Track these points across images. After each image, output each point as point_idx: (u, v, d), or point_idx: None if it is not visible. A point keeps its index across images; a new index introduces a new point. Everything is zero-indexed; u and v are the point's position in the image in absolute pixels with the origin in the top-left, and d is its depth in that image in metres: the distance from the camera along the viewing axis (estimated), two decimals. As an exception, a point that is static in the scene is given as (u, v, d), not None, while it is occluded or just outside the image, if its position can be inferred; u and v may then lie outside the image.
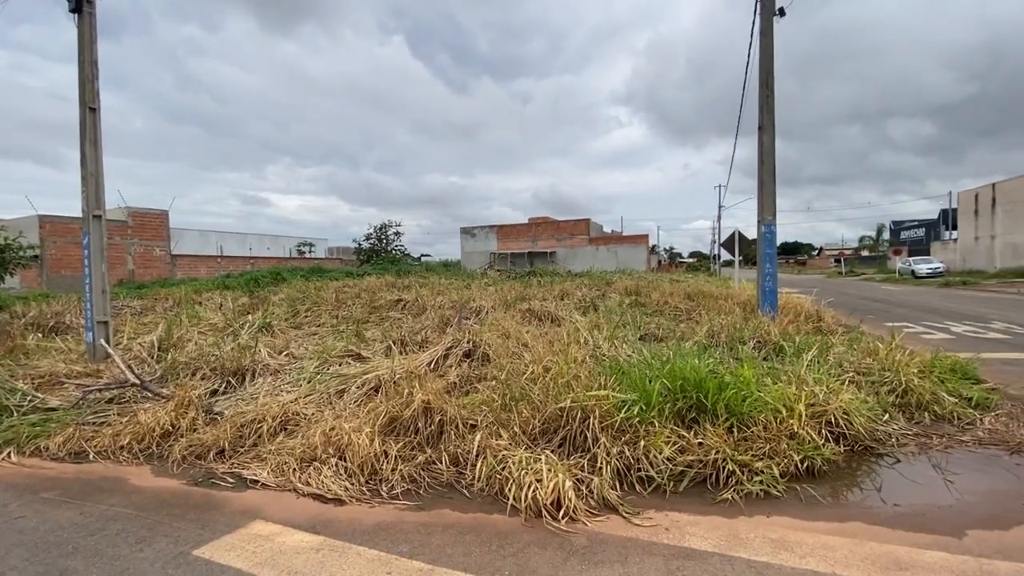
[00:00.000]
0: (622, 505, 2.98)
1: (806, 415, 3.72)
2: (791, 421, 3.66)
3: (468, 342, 5.96)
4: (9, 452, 4.17)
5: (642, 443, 3.40)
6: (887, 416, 4.38)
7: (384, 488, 3.32)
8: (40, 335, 8.33)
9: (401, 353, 6.37)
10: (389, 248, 47.62)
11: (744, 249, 13.65)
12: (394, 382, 4.60)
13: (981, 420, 4.35)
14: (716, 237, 45.85)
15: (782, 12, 7.90)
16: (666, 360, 4.40)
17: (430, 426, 3.87)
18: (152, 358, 6.48)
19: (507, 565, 2.45)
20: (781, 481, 3.22)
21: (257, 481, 3.49)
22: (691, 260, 68.17)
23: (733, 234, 13.32)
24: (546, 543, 2.64)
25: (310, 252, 40.50)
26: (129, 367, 5.40)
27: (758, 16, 7.94)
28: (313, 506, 3.14)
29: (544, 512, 2.85)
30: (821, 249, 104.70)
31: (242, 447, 4.00)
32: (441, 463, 3.55)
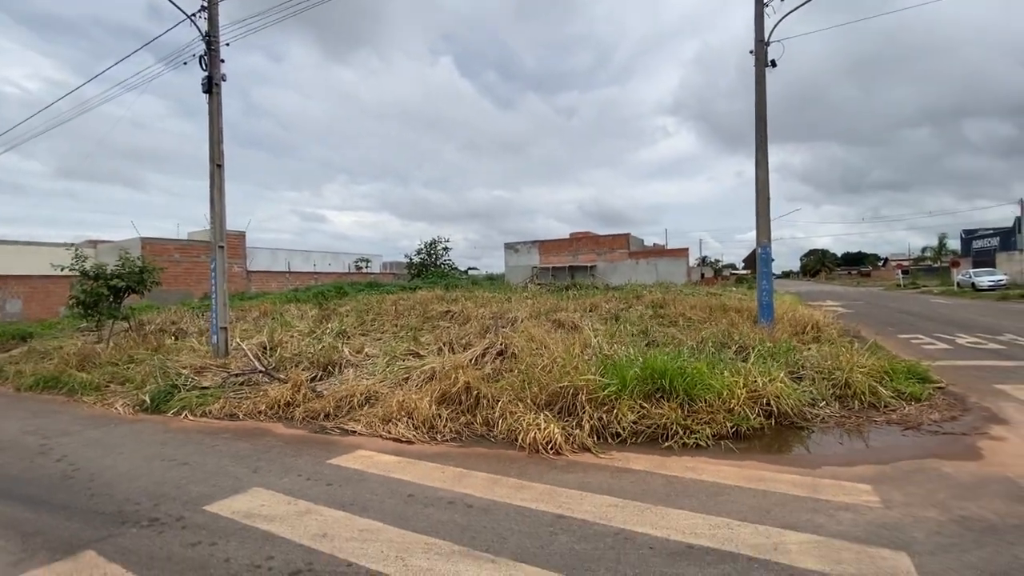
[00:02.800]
0: (594, 447, 4.47)
1: (744, 397, 5.06)
2: (731, 401, 5.01)
3: (501, 344, 7.57)
4: (185, 414, 6.14)
5: (615, 411, 4.86)
6: (824, 403, 5.61)
7: (438, 436, 4.96)
8: (173, 338, 10.66)
9: (450, 352, 8.06)
10: (438, 263, 50.24)
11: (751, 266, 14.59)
12: (444, 371, 6.25)
13: (904, 408, 5.49)
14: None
15: (774, 64, 9.15)
16: (645, 357, 5.81)
17: (469, 399, 5.49)
18: (264, 354, 8.48)
19: (513, 471, 4.00)
20: (712, 440, 4.59)
21: (355, 432, 5.22)
22: (743, 271, 66.83)
23: (753, 251, 14.26)
24: (539, 462, 4.17)
25: (367, 267, 43.63)
26: (257, 358, 7.37)
27: (753, 67, 9.22)
28: (393, 444, 4.81)
29: (540, 448, 4.37)
30: (887, 260, 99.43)
31: (340, 413, 5.76)
32: (476, 423, 5.15)
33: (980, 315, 16.23)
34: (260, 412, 5.99)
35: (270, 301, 20.93)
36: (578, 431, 4.63)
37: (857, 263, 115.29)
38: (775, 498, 3.39)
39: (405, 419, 5.18)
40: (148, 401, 6.47)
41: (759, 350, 7.30)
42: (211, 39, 9.01)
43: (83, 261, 10.42)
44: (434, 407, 5.30)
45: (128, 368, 8.09)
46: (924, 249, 64.02)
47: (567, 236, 41.21)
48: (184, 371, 7.26)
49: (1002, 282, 30.36)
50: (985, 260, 41.83)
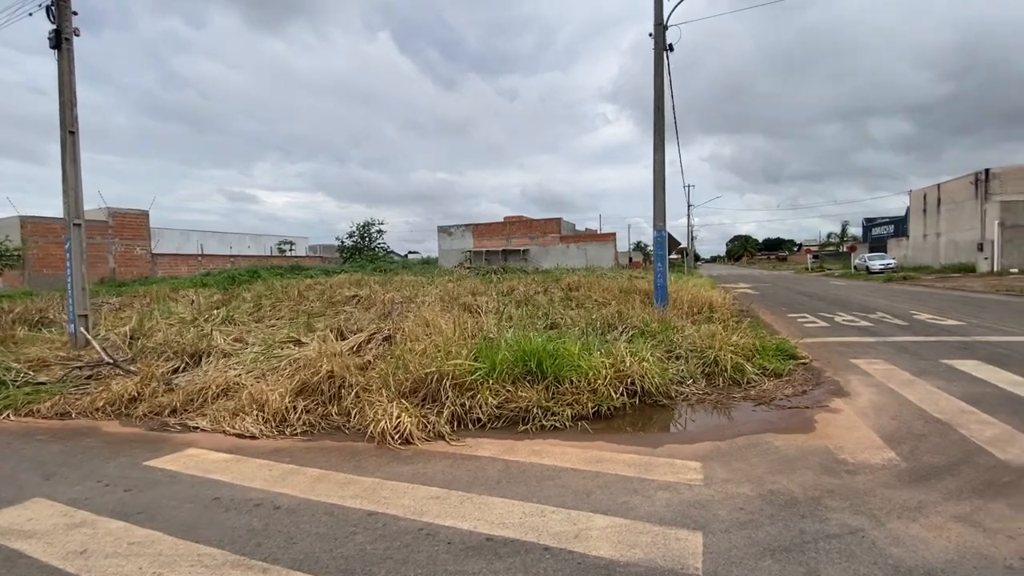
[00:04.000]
0: (450, 435, 4.29)
1: (611, 377, 5.08)
2: (597, 381, 5.01)
3: (389, 330, 7.24)
4: (8, 414, 5.38)
5: (479, 396, 4.71)
6: (691, 380, 5.78)
7: (289, 430, 4.61)
8: (27, 328, 9.45)
9: (339, 338, 7.63)
10: (372, 246, 48.63)
11: (672, 249, 15.09)
12: (311, 359, 5.86)
13: (764, 384, 5.73)
14: (688, 234, 47.53)
15: (671, 48, 9.24)
16: (520, 339, 5.71)
17: (332, 389, 5.15)
18: (126, 345, 7.67)
19: (349, 465, 3.75)
20: (571, 421, 4.55)
21: (197, 428, 4.76)
22: (672, 256, 69.87)
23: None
24: (383, 454, 3.94)
25: (291, 250, 41.44)
26: (104, 350, 6.62)
27: (652, 51, 9.27)
28: (234, 441, 4.41)
29: (389, 439, 4.14)
30: (800, 245, 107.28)
31: (190, 408, 5.25)
32: (334, 414, 4.84)
33: (864, 295, 17.72)
34: (97, 409, 5.35)
35: (171, 287, 19.32)
36: (435, 418, 4.44)
37: (776, 248, 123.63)
38: (603, 480, 3.35)
39: (255, 412, 4.78)
40: (-38, 400, 5.62)
41: (644, 331, 7.45)
42: (56, -14, 7.84)
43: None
44: (288, 398, 4.92)
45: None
46: (829, 235, 69.52)
47: (502, 220, 41.11)
48: (16, 365, 6.38)
49: (891, 265, 33.46)
50: (881, 246, 46.01)
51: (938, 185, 32.92)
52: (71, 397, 5.63)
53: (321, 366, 5.30)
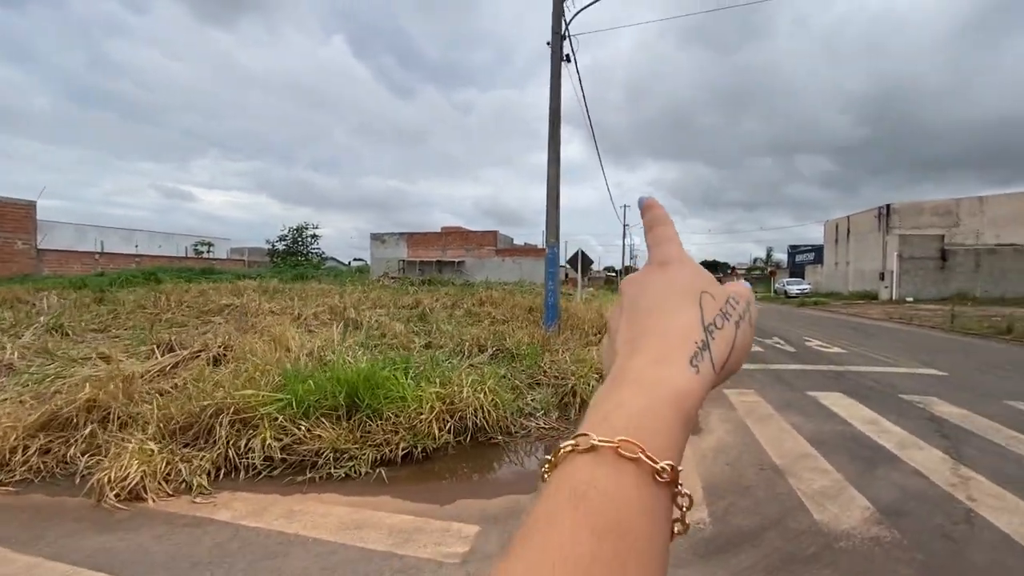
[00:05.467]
0: (203, 487, 3.45)
1: (440, 410, 4.40)
2: (421, 415, 4.31)
3: (220, 346, 6.27)
4: None
5: (259, 437, 3.90)
6: (542, 412, 5.22)
7: (0, 476, 3.60)
8: None
9: (167, 354, 6.55)
10: (306, 251, 46.21)
11: (586, 268, 14.85)
12: (98, 382, 4.83)
13: (619, 417, 5.25)
14: (622, 255, 48.42)
15: (568, 59, 8.91)
16: (339, 366, 4.94)
17: (91, 423, 4.17)
18: None
19: (26, 534, 2.83)
20: (372, 466, 3.82)
21: None
22: (610, 274, 71.29)
23: (576, 253, 14.43)
24: (86, 518, 3.05)
25: (209, 252, 38.57)
26: None
27: (550, 62, 8.89)
28: (-91, 495, 3.36)
29: (115, 494, 3.25)
30: (734, 268, 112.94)
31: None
32: (79, 457, 3.87)
33: (771, 319, 18.23)
34: None
35: (39, 287, 17.04)
36: (183, 466, 3.58)
37: (712, 269, 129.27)
38: (339, 558, 2.64)
39: (-39, 454, 3.73)
40: None
41: (515, 353, 6.89)
42: None
43: None
44: (19, 435, 3.90)
45: None
46: (755, 259, 73.35)
47: (438, 230, 40.16)
48: None
49: (806, 290, 35.34)
50: (801, 272, 48.74)
51: (848, 217, 35.20)
52: None
53: (82, 394, 4.30)
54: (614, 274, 64.58)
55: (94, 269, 27.75)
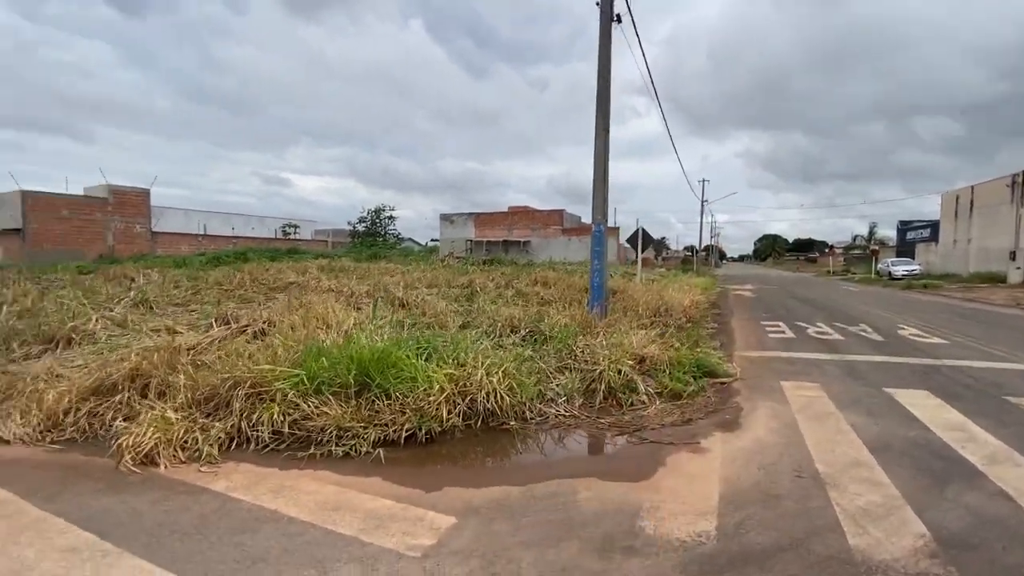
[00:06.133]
0: (212, 457, 3.59)
1: (451, 392, 4.28)
2: (430, 396, 4.22)
3: (264, 321, 6.59)
4: None
5: (266, 412, 3.99)
6: (564, 399, 4.94)
7: (55, 435, 3.99)
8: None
9: (224, 326, 7.02)
10: (383, 232, 48.42)
11: (647, 246, 14.00)
12: (147, 352, 5.23)
13: (649, 407, 4.84)
14: (700, 233, 45.67)
15: (619, 19, 8.24)
16: (355, 344, 4.93)
17: (133, 388, 4.52)
18: (13, 323, 7.22)
19: (48, 490, 3.08)
20: (372, 446, 3.78)
21: (-36, 427, 4.18)
22: (687, 254, 67.71)
23: (637, 231, 13.65)
24: (104, 479, 3.27)
25: (295, 233, 41.50)
26: None
27: (599, 22, 8.29)
28: (-22, 447, 3.81)
29: (130, 458, 3.47)
30: (832, 247, 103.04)
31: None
32: (123, 420, 4.19)
33: (865, 304, 16.29)
34: None
35: (148, 265, 19.19)
36: (200, 435, 3.74)
37: (806, 249, 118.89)
38: (306, 538, 2.59)
39: (20, 415, 4.17)
40: None
41: (548, 336, 6.61)
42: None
43: None
44: (73, 398, 4.30)
45: None
46: (855, 237, 66.05)
47: (506, 210, 40.20)
48: None
49: (915, 272, 31.36)
50: (910, 251, 43.29)
51: (971, 187, 30.46)
52: None
53: (126, 363, 4.66)
54: (690, 254, 61.25)
55: (198, 249, 30.81)
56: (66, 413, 4.20)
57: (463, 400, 4.33)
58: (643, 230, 13.39)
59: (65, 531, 2.63)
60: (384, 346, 4.74)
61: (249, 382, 4.19)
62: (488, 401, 4.35)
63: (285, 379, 4.27)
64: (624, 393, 5.05)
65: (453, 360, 4.80)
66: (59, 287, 11.80)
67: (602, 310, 8.40)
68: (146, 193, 30.07)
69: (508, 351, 5.60)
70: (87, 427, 4.12)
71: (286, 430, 3.92)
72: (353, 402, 4.19)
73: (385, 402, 4.18)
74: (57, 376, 5.08)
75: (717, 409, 4.89)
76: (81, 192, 29.07)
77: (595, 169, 8.38)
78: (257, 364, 4.46)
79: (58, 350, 6.29)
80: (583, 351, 6.00)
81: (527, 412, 4.54)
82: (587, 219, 41.81)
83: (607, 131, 8.34)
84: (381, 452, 3.72)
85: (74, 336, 6.55)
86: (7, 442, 3.88)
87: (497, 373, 4.58)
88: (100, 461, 3.57)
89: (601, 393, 5.00)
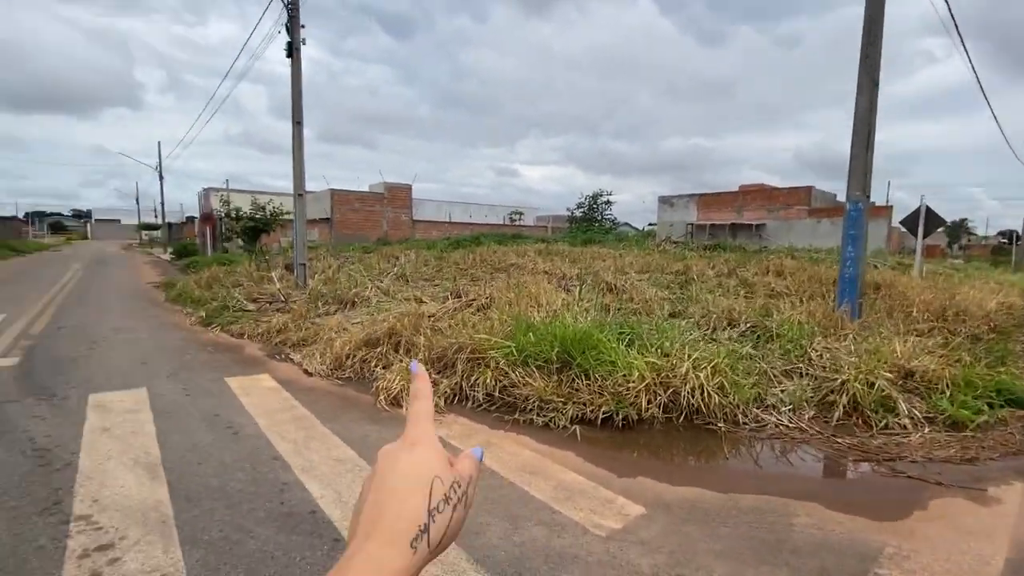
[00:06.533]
0: (437, 407, 4.23)
1: (651, 381, 4.14)
2: (629, 383, 4.15)
3: (487, 297, 7.39)
4: (218, 328, 7.57)
5: (480, 376, 4.47)
6: (791, 407, 4.25)
7: (339, 373, 5.26)
8: (286, 270, 12.94)
9: (455, 299, 8.17)
10: (600, 217, 49.26)
11: (931, 230, 10.76)
12: (398, 315, 6.43)
13: (911, 433, 3.83)
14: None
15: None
16: (558, 323, 5.07)
17: (389, 344, 5.62)
18: (318, 288, 9.79)
19: (331, 411, 4.08)
20: (569, 422, 3.92)
21: (291, 359, 5.84)
22: (1002, 241, 50.43)
23: (919, 208, 10.62)
24: (365, 412, 4.17)
25: (519, 219, 45.27)
26: (279, 291, 8.63)
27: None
28: (296, 374, 5.28)
29: (384, 399, 4.33)
30: None
31: (304, 343, 6.45)
32: (378, 367, 5.28)
33: None
34: (259, 334, 7.06)
35: (407, 247, 23.52)
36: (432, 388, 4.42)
37: None
38: (501, 494, 2.84)
39: (319, 355, 5.59)
40: (204, 316, 8.17)
41: (776, 334, 5.74)
42: (292, 8, 10.13)
43: (225, 204, 13.25)
44: (350, 347, 5.57)
45: (224, 290, 10.19)
46: None
47: (736, 189, 36.21)
48: (238, 296, 8.89)
49: None
50: None
51: None
52: (251, 323, 7.56)
53: (385, 324, 5.81)
54: (1007, 241, 45.35)
55: (444, 234, 36.26)
56: (347, 357, 5.47)
57: (664, 392, 4.12)
58: (927, 208, 10.44)
59: (338, 446, 3.44)
60: (586, 327, 4.82)
61: (470, 348, 4.77)
62: (693, 397, 4.04)
63: (498, 349, 4.72)
64: (876, 412, 4.08)
65: (656, 349, 4.60)
66: (350, 263, 15.43)
67: (854, 308, 6.90)
68: (409, 188, 36.65)
69: (722, 346, 5.09)
70: (359, 369, 5.30)
71: (496, 394, 4.36)
72: (555, 377, 4.39)
73: (584, 382, 4.26)
74: (344, 329, 6.65)
75: (1022, 450, 3.56)
76: (366, 189, 37.11)
77: (855, 134, 6.85)
78: (477, 333, 5.05)
79: (346, 309, 8.22)
80: (821, 355, 5.05)
81: (740, 416, 4.07)
82: (843, 197, 34.76)
83: (875, 84, 6.71)
84: (578, 429, 3.82)
85: (356, 299, 8.47)
86: (311, 374, 5.26)
87: (706, 368, 4.21)
88: (365, 397, 4.55)
89: (841, 408, 4.13)
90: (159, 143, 40.44)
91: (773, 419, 4.10)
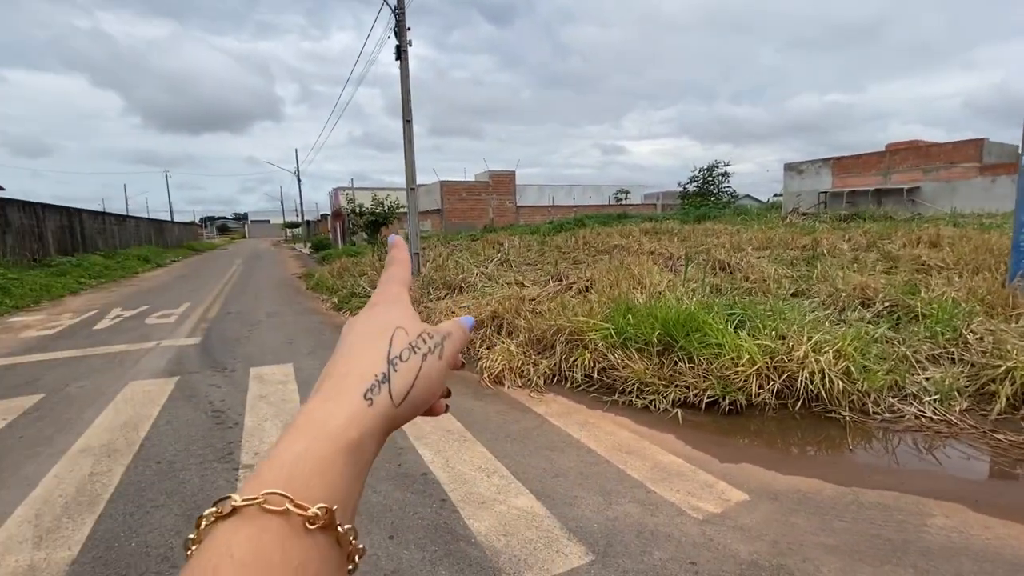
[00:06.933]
0: (539, 386, 4.39)
1: (765, 366, 3.89)
2: (737, 366, 3.94)
3: (588, 279, 7.38)
4: (348, 312, 8.51)
5: (578, 358, 4.52)
6: (937, 397, 3.72)
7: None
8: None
9: (555, 282, 8.28)
10: (717, 191, 45.93)
11: None
12: (500, 300, 6.70)
13: (1107, 433, 3.16)
14: None
15: None
16: (658, 305, 4.89)
17: (492, 326, 5.90)
18: (431, 274, 10.51)
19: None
20: (671, 405, 3.84)
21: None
22: None
23: None
24: (470, 388, 4.46)
25: (626, 199, 43.82)
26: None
27: None
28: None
29: (487, 377, 4.59)
30: None
31: (419, 325, 7.00)
32: (483, 347, 5.58)
33: None
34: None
35: (515, 233, 24.07)
36: (533, 367, 4.59)
37: None
38: (597, 470, 2.90)
39: (432, 335, 6.04)
40: (336, 302, 9.22)
41: (923, 314, 4.99)
42: (399, 13, 10.80)
43: (350, 202, 14.67)
44: (458, 329, 5.94)
45: (352, 279, 11.36)
46: None
47: (881, 149, 31.39)
48: (363, 284, 9.86)
49: None
50: None
51: None
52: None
53: (486, 307, 6.10)
54: None
55: (547, 218, 36.44)
56: (455, 338, 5.86)
57: (779, 376, 3.84)
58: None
59: (447, 418, 3.75)
60: (690, 309, 4.63)
61: (568, 330, 4.85)
62: (812, 382, 3.72)
63: (596, 331, 4.74)
64: (1054, 404, 3.42)
65: (771, 331, 4.28)
66: (459, 250, 16.25)
67: (1028, 282, 5.73)
68: (512, 174, 37.30)
69: (851, 327, 4.57)
70: (466, 350, 5.65)
71: (595, 375, 4.40)
72: (656, 360, 4.31)
73: (687, 365, 4.13)
74: (452, 312, 7.11)
75: None
76: (472, 178, 38.47)
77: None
78: (576, 316, 5.10)
79: (454, 294, 8.74)
80: (981, 338, 4.32)
81: (871, 405, 3.66)
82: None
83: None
84: (679, 412, 3.73)
85: (463, 285, 8.95)
86: (426, 353, 5.73)
87: (828, 351, 3.84)
88: (471, 375, 4.86)
89: (1004, 399, 3.53)
90: (296, 151, 45.68)
91: (913, 409, 3.63)
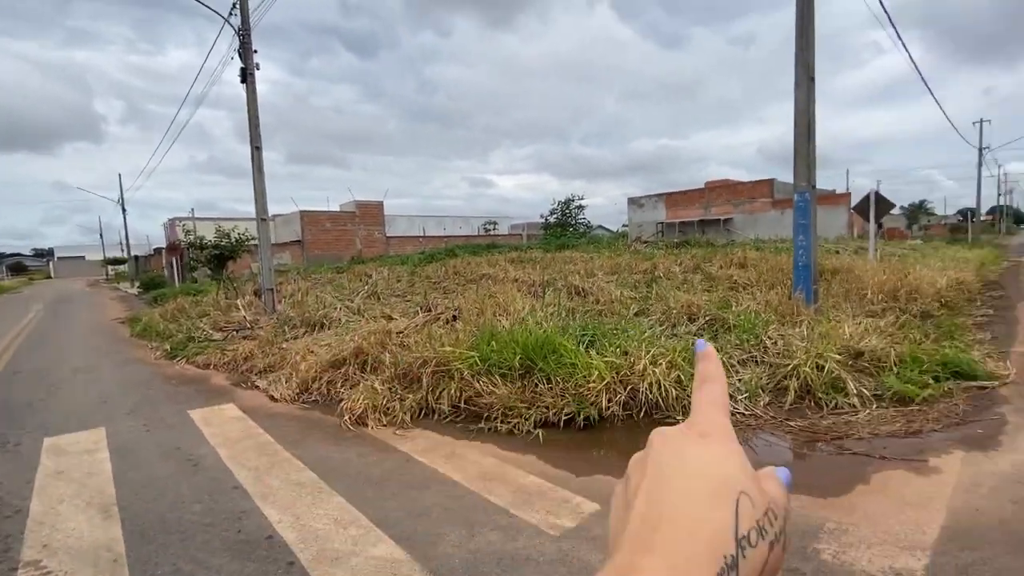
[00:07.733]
0: (404, 423, 4.24)
1: (611, 380, 4.23)
2: (589, 384, 4.24)
3: (455, 309, 7.43)
4: (184, 360, 7.43)
5: (444, 389, 4.51)
6: (747, 395, 4.39)
7: (305, 396, 5.22)
8: (255, 296, 12.73)
9: (424, 313, 8.18)
10: (573, 222, 49.66)
11: (882, 214, 11.22)
12: (363, 334, 6.42)
13: (858, 411, 4.00)
14: (978, 191, 34.89)
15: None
16: (516, 330, 5.15)
17: (356, 364, 5.60)
18: (287, 311, 9.68)
19: (293, 437, 4.06)
20: (534, 427, 3.98)
21: (256, 386, 5.77)
22: (959, 220, 52.58)
23: (867, 196, 11.07)
24: (329, 433, 4.16)
25: (494, 229, 45.45)
26: (246, 318, 8.51)
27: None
28: (263, 401, 5.22)
29: (349, 419, 4.32)
30: None
31: (271, 369, 6.38)
32: (349, 387, 5.26)
33: None
34: (224, 363, 6.96)
35: (384, 263, 23.40)
36: (398, 404, 4.44)
37: None
38: (462, 503, 2.88)
39: (285, 380, 5.54)
40: (169, 348, 8.01)
41: (732, 325, 5.92)
42: (244, 34, 10.10)
43: (188, 234, 13.06)
44: (316, 370, 5.54)
45: (190, 321, 9.99)
46: None
47: (702, 186, 37.08)
48: (203, 326, 8.74)
49: None
50: None
51: None
52: (218, 352, 7.44)
53: (349, 343, 5.80)
54: (963, 219, 47.35)
55: (418, 249, 36.13)
56: (313, 380, 5.44)
57: (624, 389, 4.23)
58: (876, 194, 10.89)
59: (300, 470, 3.44)
60: (547, 332, 4.90)
61: (435, 361, 4.80)
62: (651, 392, 4.15)
63: (462, 360, 4.77)
64: (825, 393, 4.26)
65: (616, 348, 4.71)
66: (321, 284, 15.28)
67: (808, 294, 7.15)
68: (380, 204, 36.52)
69: (680, 340, 5.23)
70: (326, 392, 5.27)
71: (461, 405, 4.41)
72: (518, 383, 4.46)
73: (546, 386, 4.34)
74: (311, 352, 6.60)
75: (965, 421, 3.76)
76: (337, 208, 36.81)
77: (796, 127, 7.14)
78: (443, 346, 5.08)
79: (315, 332, 8.16)
80: (775, 342, 5.23)
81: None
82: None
83: (811, 79, 7.02)
84: (540, 433, 3.88)
85: (325, 321, 8.40)
86: (276, 400, 5.21)
87: (662, 363, 4.33)
88: (330, 419, 4.54)
89: (793, 392, 4.30)
90: (119, 175, 39.51)
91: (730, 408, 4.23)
